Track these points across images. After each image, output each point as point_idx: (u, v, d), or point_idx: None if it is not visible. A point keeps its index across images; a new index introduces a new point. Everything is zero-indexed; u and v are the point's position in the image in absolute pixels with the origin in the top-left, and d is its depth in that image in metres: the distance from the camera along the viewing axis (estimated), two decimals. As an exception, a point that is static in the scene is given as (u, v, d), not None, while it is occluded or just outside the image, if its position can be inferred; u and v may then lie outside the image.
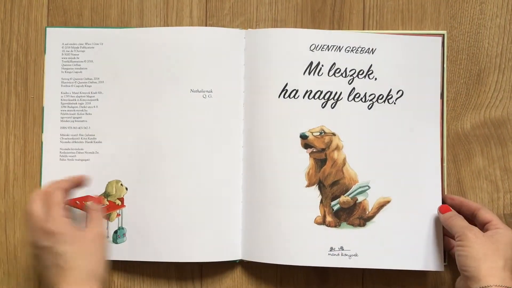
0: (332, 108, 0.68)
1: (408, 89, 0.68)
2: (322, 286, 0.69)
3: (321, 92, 0.68)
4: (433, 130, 0.68)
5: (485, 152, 0.69)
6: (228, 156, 0.68)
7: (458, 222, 0.62)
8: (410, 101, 0.68)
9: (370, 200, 0.67)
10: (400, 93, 0.68)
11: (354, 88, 0.68)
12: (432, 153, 0.68)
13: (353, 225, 0.67)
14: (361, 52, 0.68)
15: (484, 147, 0.69)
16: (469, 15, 0.70)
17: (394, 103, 0.68)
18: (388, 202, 0.67)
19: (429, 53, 0.68)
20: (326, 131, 0.68)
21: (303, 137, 0.67)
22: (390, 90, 0.68)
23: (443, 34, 0.69)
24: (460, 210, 0.66)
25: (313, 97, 0.68)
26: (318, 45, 0.68)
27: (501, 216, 0.68)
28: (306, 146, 0.67)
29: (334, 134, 0.68)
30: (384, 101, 0.68)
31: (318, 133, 0.67)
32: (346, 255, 0.66)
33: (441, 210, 0.65)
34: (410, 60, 0.68)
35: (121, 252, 0.68)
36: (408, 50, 0.68)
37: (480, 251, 0.58)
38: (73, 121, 0.70)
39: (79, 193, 0.69)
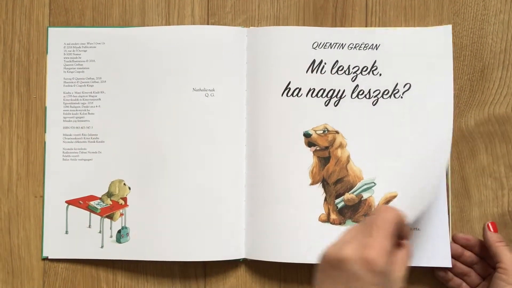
0: (335, 106, 0.68)
1: (417, 82, 0.67)
2: (327, 284, 0.69)
3: (324, 90, 0.67)
4: (443, 122, 0.66)
5: (489, 149, 0.69)
6: (231, 154, 0.68)
7: (507, 253, 0.60)
8: (419, 94, 0.67)
9: (376, 197, 0.67)
10: (407, 86, 0.67)
11: (357, 85, 0.68)
12: (440, 146, 0.66)
13: (358, 222, 0.67)
14: (365, 48, 0.68)
15: (488, 144, 0.69)
16: (473, 11, 0.70)
17: (401, 97, 0.68)
18: (395, 197, 0.67)
19: (438, 43, 0.67)
20: (330, 129, 0.67)
21: (307, 135, 0.67)
22: (397, 84, 0.67)
23: (446, 31, 0.69)
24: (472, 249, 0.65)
25: (316, 95, 0.67)
26: (320, 42, 0.68)
27: (505, 213, 0.68)
28: (309, 144, 0.67)
29: (337, 132, 0.67)
30: (390, 96, 0.67)
31: (322, 131, 0.67)
32: (351, 252, 0.66)
33: (491, 227, 0.63)
34: (418, 52, 0.67)
35: (124, 252, 0.68)
36: (415, 42, 0.67)
37: None
38: (75, 121, 0.70)
39: (81, 193, 0.69)
